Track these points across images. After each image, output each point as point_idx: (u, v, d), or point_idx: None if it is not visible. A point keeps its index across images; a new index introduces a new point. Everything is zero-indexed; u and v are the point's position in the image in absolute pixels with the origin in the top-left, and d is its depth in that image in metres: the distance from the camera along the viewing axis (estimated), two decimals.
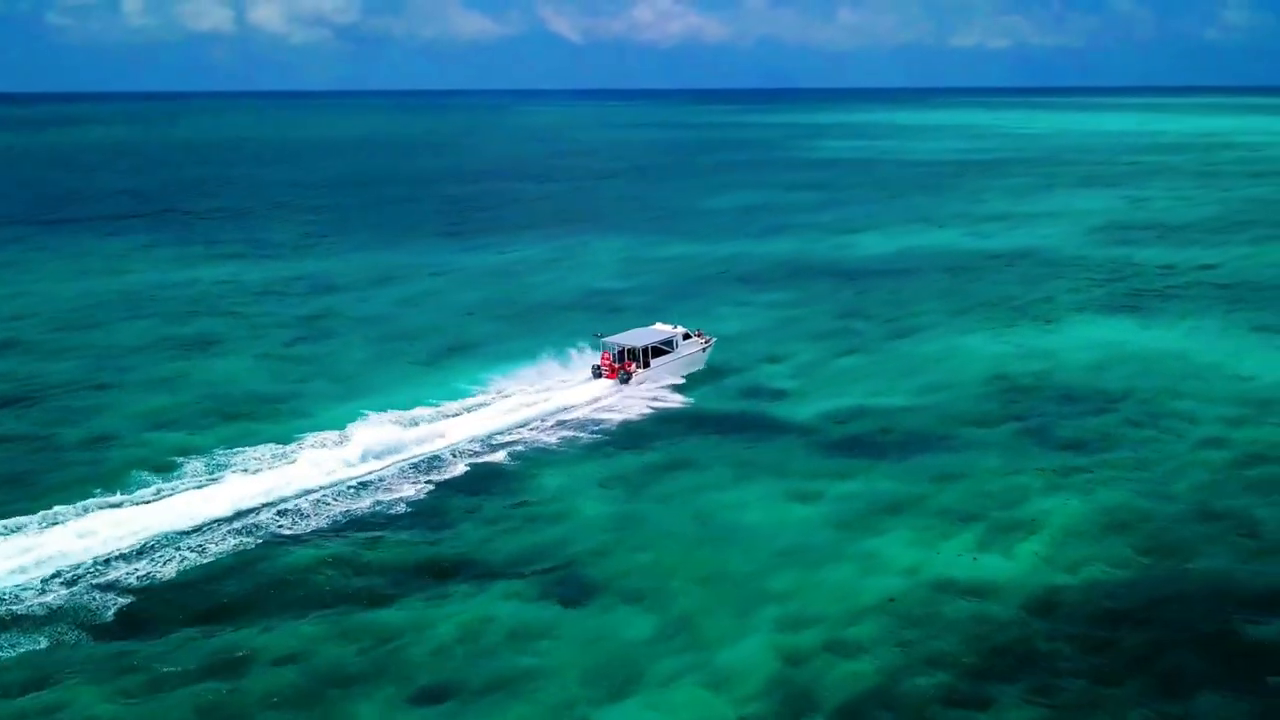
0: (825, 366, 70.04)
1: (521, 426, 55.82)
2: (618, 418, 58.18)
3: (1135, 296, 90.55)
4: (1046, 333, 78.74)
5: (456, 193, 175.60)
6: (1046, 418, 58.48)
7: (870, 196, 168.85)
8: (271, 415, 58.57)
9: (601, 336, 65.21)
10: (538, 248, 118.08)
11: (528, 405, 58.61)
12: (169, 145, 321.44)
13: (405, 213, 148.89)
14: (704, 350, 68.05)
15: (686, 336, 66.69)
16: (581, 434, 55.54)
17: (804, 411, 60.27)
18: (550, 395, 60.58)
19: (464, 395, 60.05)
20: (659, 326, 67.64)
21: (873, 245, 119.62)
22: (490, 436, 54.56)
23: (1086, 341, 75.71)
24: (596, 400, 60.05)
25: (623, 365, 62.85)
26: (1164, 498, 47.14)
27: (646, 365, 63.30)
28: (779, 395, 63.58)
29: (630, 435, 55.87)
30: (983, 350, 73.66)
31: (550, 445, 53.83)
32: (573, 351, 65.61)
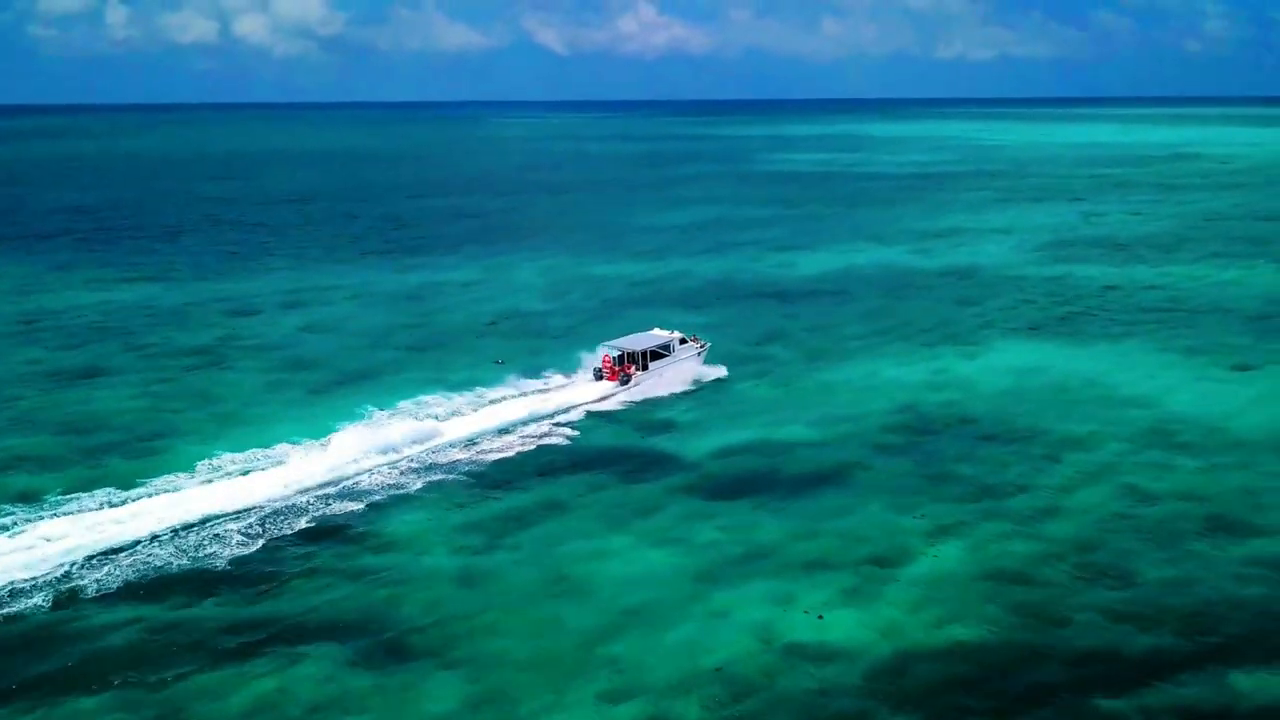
0: (729, 396, 67.14)
1: (525, 424, 58.79)
2: (496, 456, 55.25)
3: (1067, 319, 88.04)
4: (968, 358, 76.07)
5: (401, 209, 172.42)
6: (946, 454, 55.73)
7: (823, 212, 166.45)
8: (127, 454, 55.50)
9: (608, 342, 68.45)
10: (467, 267, 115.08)
11: (532, 404, 61.74)
12: (123, 159, 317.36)
13: (341, 230, 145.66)
14: (699, 354, 70.75)
15: (683, 341, 69.88)
16: (451, 475, 52.54)
17: (697, 446, 57.42)
18: (553, 396, 63.71)
19: (332, 430, 56.86)
20: (656, 332, 70.74)
21: (813, 264, 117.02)
22: (352, 479, 51.43)
23: (1006, 368, 73.13)
24: (598, 400, 63.36)
25: (623, 368, 65.92)
26: (1047, 546, 44.40)
27: (645, 368, 66.44)
28: (674, 428, 60.70)
29: (505, 474, 52.93)
30: (898, 378, 70.94)
31: (415, 488, 50.80)
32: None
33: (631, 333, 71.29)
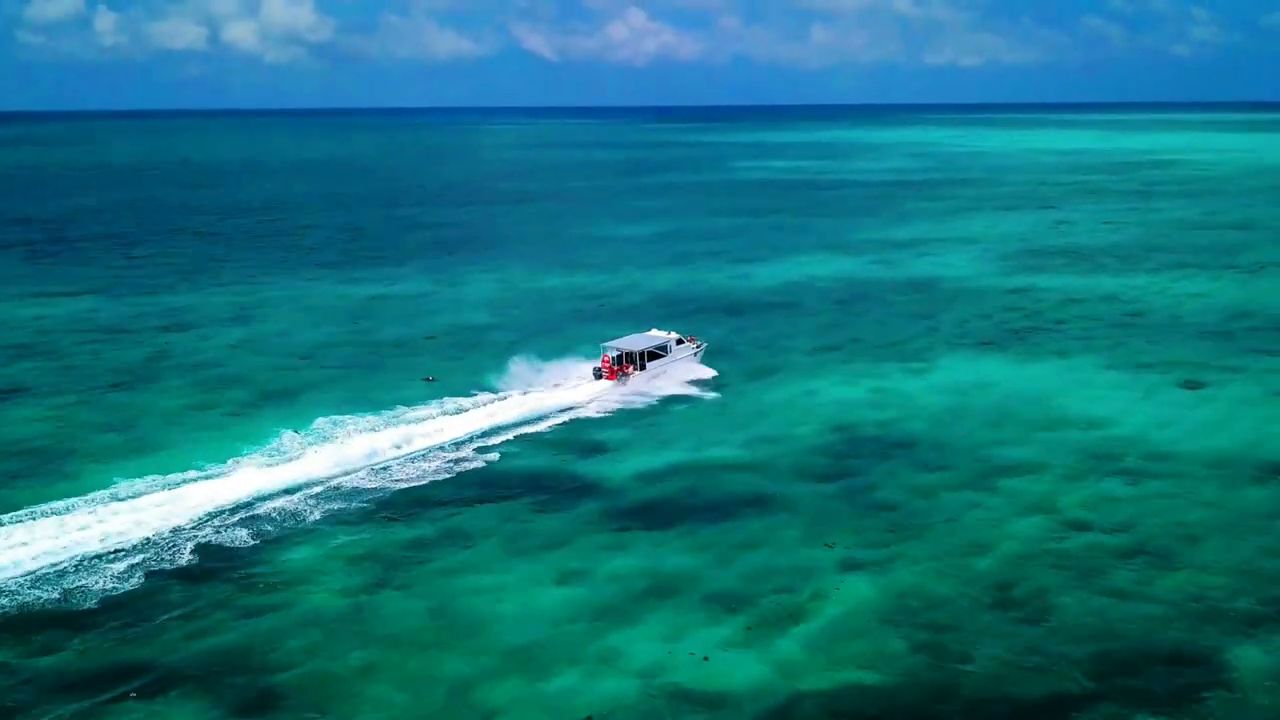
0: (662, 414, 65.02)
1: (526, 423, 60.98)
2: (406, 483, 53.08)
3: (1021, 334, 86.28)
4: (914, 375, 74.19)
5: (362, 220, 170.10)
6: (873, 480, 53.78)
7: (789, 222, 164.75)
8: (18, 477, 53.09)
9: (606, 342, 70.66)
10: (418, 279, 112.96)
11: (535, 401, 64.34)
12: (92, 168, 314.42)
13: (297, 242, 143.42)
14: (695, 354, 73.16)
15: (680, 342, 72.08)
16: (355, 504, 50.36)
17: (620, 470, 55.41)
18: (555, 394, 65.98)
19: (248, 454, 54.73)
20: (654, 333, 73.14)
21: (769, 276, 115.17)
22: (252, 508, 49.24)
23: (951, 386, 71.28)
24: (597, 398, 65.47)
25: (621, 368, 68.15)
26: (962, 581, 42.41)
27: (643, 368, 68.68)
28: (602, 450, 58.66)
29: (412, 503, 50.79)
30: (839, 396, 69.05)
31: (314, 518, 48.59)
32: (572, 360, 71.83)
33: (629, 333, 73.94)
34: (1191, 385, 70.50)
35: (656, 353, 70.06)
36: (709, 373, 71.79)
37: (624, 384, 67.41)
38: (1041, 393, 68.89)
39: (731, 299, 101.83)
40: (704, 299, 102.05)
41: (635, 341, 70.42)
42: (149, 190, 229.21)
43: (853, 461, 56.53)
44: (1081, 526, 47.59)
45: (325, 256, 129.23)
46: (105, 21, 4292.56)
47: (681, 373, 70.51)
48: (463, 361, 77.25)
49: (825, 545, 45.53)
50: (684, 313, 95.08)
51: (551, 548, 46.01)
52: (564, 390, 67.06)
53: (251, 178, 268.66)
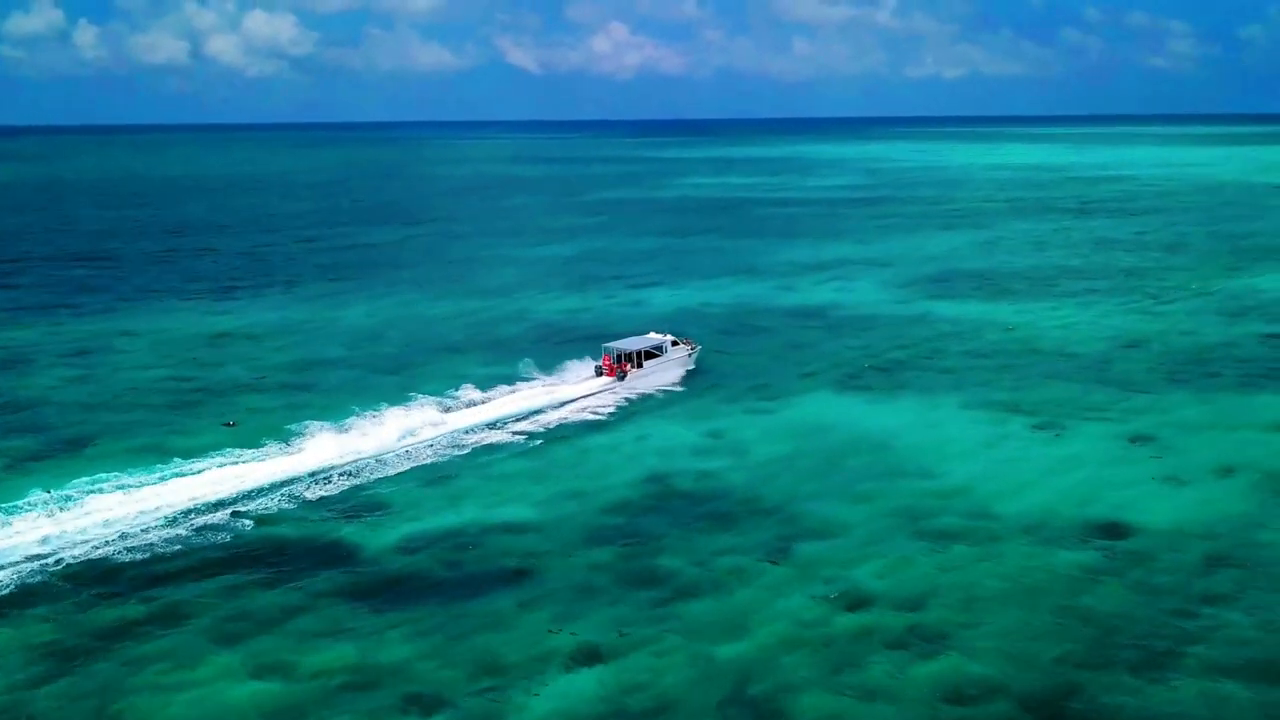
0: (473, 463, 60.33)
1: (531, 415, 67.00)
2: (138, 554, 48.18)
3: (891, 368, 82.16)
4: (756, 415, 69.94)
5: (270, 243, 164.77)
6: (664, 541, 49.41)
7: (711, 244, 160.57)
8: None
9: (607, 343, 76.97)
10: (293, 308, 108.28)
11: (539, 396, 70.70)
12: (27, 185, 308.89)
13: (188, 267, 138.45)
14: (690, 355, 78.97)
15: (675, 343, 78.09)
16: (66, 577, 45.43)
17: (388, 533, 50.91)
18: (558, 389, 72.12)
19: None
20: (651, 335, 79.70)
21: (663, 303, 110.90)
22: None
23: (792, 427, 67.06)
24: (597, 393, 71.90)
25: (619, 366, 74.19)
26: (704, 670, 38.27)
27: (640, 366, 74.77)
28: (377, 508, 53.93)
29: (138, 575, 45.99)
30: (667, 440, 64.65)
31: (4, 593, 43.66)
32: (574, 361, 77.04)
33: (629, 335, 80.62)
34: (1046, 429, 66.34)
35: (652, 353, 76.36)
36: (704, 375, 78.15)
37: (622, 381, 73.79)
38: (885, 437, 64.57)
39: (611, 329, 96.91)
40: (583, 328, 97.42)
41: (633, 343, 76.98)
42: (66, 209, 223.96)
43: (649, 521, 52.05)
44: (862, 602, 43.21)
45: (204, 284, 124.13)
46: (85, 35, 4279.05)
47: (675, 371, 77.02)
48: (291, 400, 72.52)
49: (569, 633, 40.95)
50: (557, 343, 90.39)
51: (263, 632, 41.35)
52: (567, 386, 73.12)
53: (185, 196, 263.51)
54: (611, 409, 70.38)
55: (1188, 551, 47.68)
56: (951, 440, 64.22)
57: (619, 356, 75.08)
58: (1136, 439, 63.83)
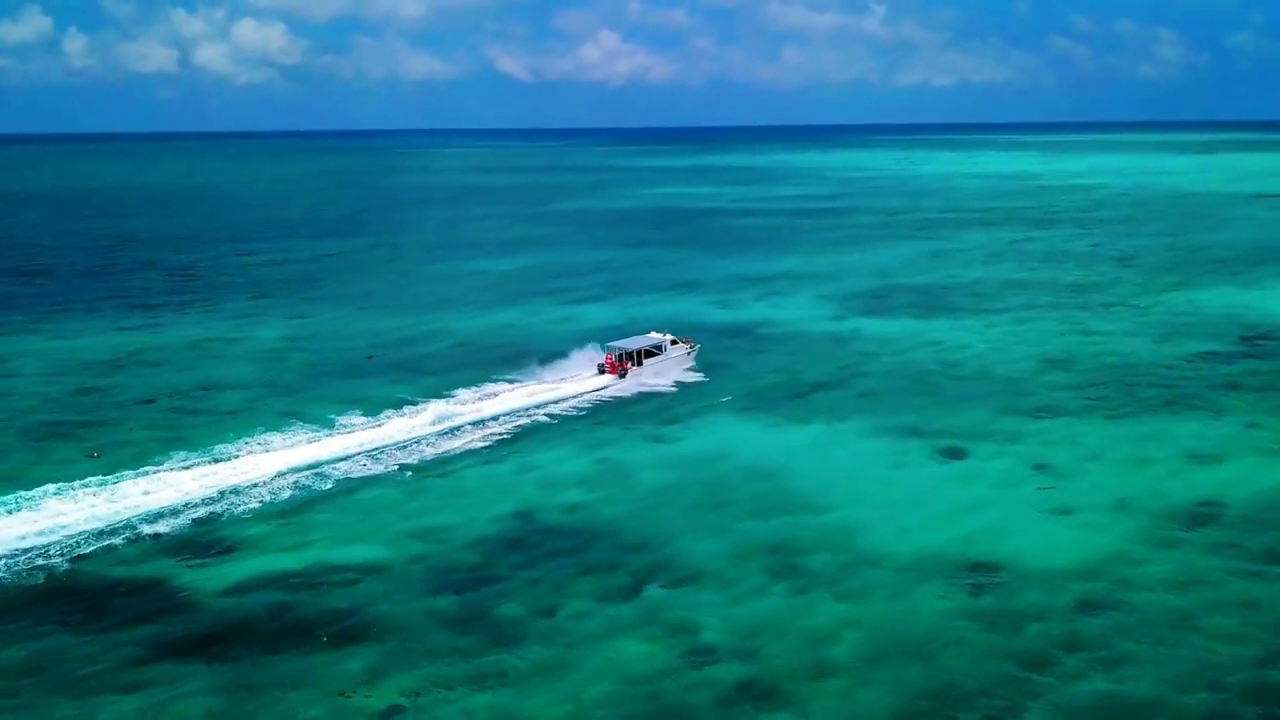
0: (333, 502, 57.29)
1: (538, 408, 71.78)
2: None
3: (805, 390, 79.64)
4: (653, 442, 67.19)
5: (206, 256, 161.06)
6: (512, 584, 46.93)
7: (659, 256, 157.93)
8: None
9: (610, 343, 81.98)
10: (210, 325, 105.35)
11: (545, 391, 75.18)
12: None
13: (118, 283, 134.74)
14: (689, 353, 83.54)
15: (674, 343, 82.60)
16: None
17: (219, 576, 47.96)
18: (563, 385, 76.42)
19: None
20: (653, 335, 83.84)
21: (594, 318, 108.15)
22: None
23: (686, 454, 64.68)
24: (601, 389, 76.23)
25: (621, 364, 78.34)
26: None
27: (640, 364, 78.88)
28: (220, 548, 50.83)
29: None
30: (548, 470, 61.89)
31: None
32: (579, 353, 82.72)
33: (632, 335, 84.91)
34: (948, 457, 63.63)
35: (653, 352, 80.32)
36: (698, 376, 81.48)
37: (623, 379, 77.58)
38: (778, 467, 61.83)
39: (535, 349, 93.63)
40: (504, 347, 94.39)
41: (634, 342, 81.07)
42: (7, 221, 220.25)
43: (504, 562, 49.24)
44: (703, 653, 40.63)
45: (126, 301, 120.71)
46: (75, 44, 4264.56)
47: (674, 369, 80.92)
48: (161, 429, 69.39)
49: (348, 692, 37.94)
50: (472, 364, 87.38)
51: (43, 685, 38.37)
52: (570, 383, 77.05)
53: (139, 207, 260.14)
54: (503, 435, 67.59)
55: (1061, 594, 45.05)
56: (846, 470, 61.53)
57: (620, 355, 79.19)
58: (1039, 467, 61.23)
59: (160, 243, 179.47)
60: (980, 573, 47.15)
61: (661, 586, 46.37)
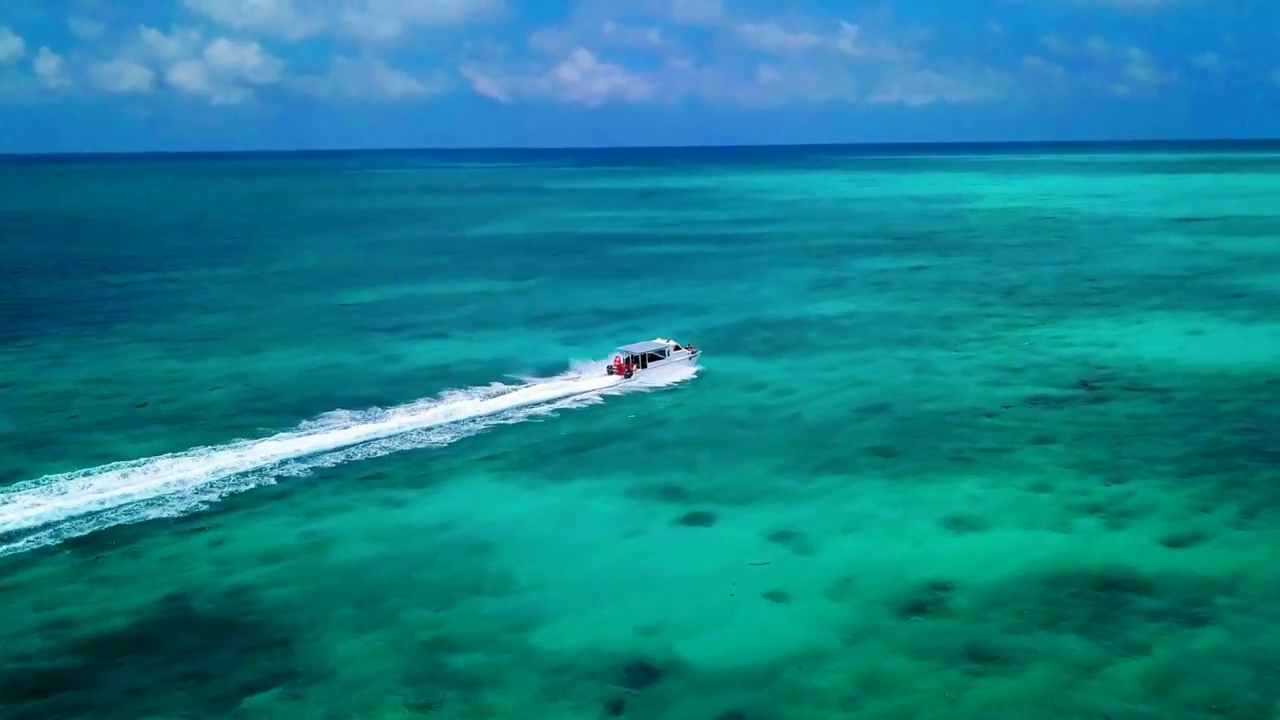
0: (112, 552, 51.28)
1: (548, 402, 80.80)
2: None
3: (585, 445, 73.68)
4: (382, 506, 61.75)
5: (52, 288, 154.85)
6: (93, 699, 40.41)
7: (534, 287, 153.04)
8: None
9: (619, 347, 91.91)
10: (15, 366, 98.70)
11: (559, 389, 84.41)
12: None
13: None
14: (691, 358, 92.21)
15: (677, 348, 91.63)
16: None
17: None
18: (577, 383, 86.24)
19: None
20: (658, 341, 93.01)
21: (423, 359, 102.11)
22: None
23: (408, 525, 59.28)
24: (610, 387, 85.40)
25: (628, 366, 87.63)
26: None
27: (644, 366, 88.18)
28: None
29: None
30: (244, 544, 56.05)
31: None
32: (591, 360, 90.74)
33: (639, 341, 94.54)
34: (694, 524, 58.45)
35: (656, 355, 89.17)
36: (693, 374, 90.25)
37: (629, 379, 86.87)
38: (500, 539, 56.49)
39: (345, 393, 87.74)
40: (302, 392, 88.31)
41: (641, 347, 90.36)
42: None
43: (112, 663, 43.11)
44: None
45: None
46: (47, 64, 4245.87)
47: (676, 371, 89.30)
48: None
49: None
50: (254, 411, 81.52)
51: None
52: (584, 380, 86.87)
53: (41, 231, 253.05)
54: (216, 500, 61.66)
55: (711, 707, 39.34)
56: (568, 544, 55.99)
57: (628, 358, 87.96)
58: (780, 537, 55.95)
59: (19, 273, 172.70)
60: (635, 678, 41.76)
61: (267, 692, 40.46)
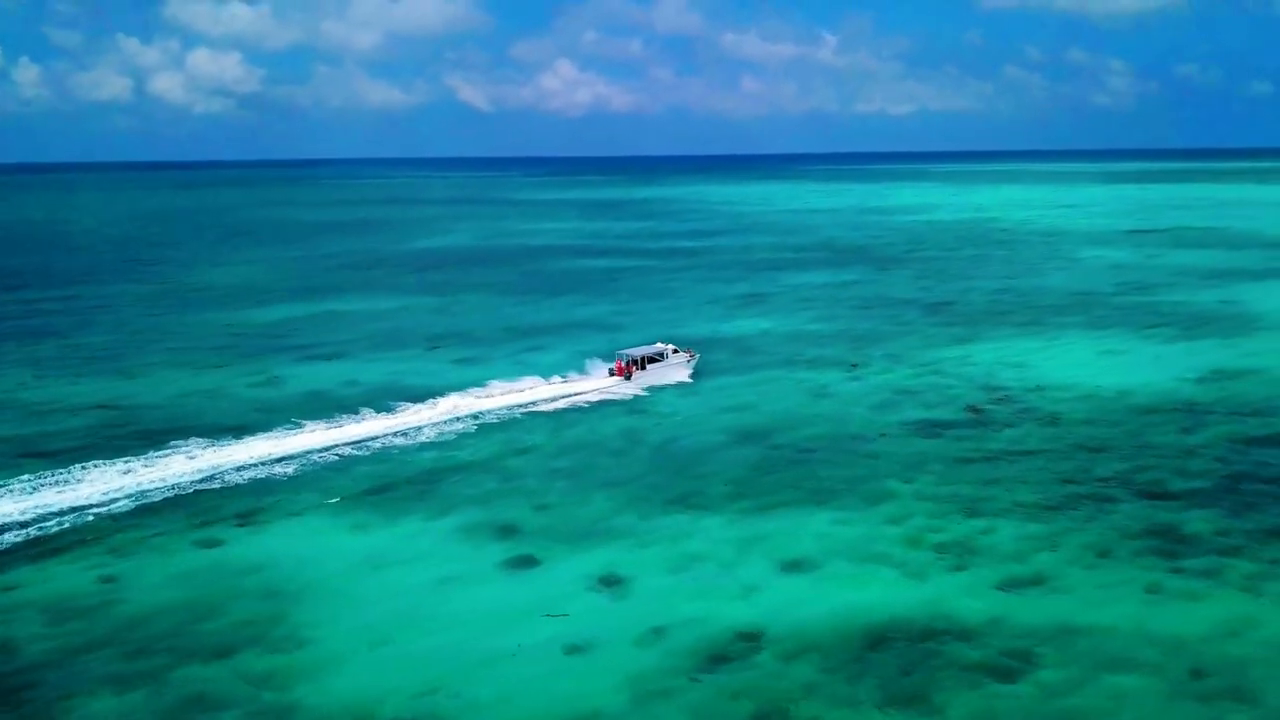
0: None
1: (554, 399, 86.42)
2: None
3: (428, 483, 70.45)
4: (197, 549, 58.29)
5: None
6: None
7: (447, 305, 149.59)
8: None
9: (620, 350, 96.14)
10: None
11: (559, 388, 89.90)
12: None
13: None
14: (689, 361, 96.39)
15: (676, 351, 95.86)
16: None
17: None
18: (580, 383, 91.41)
19: None
20: (658, 345, 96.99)
21: (302, 382, 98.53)
22: None
23: (225, 564, 55.89)
24: (611, 388, 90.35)
25: (629, 368, 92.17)
26: None
27: (644, 369, 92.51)
28: None
29: None
30: (39, 590, 52.20)
31: None
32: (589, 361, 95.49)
33: (641, 345, 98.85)
34: (520, 568, 55.40)
35: (655, 358, 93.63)
36: (688, 376, 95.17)
37: (629, 380, 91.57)
38: (304, 586, 53.18)
39: (200, 423, 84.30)
40: (169, 417, 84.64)
41: (641, 350, 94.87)
42: None
43: None
44: None
45: None
46: (27, 74, 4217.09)
47: (674, 374, 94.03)
48: None
49: None
50: (106, 439, 77.85)
51: None
52: (588, 380, 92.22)
53: None
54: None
55: None
56: (375, 589, 52.90)
57: (629, 361, 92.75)
58: (604, 581, 52.81)
59: None
60: None
61: None
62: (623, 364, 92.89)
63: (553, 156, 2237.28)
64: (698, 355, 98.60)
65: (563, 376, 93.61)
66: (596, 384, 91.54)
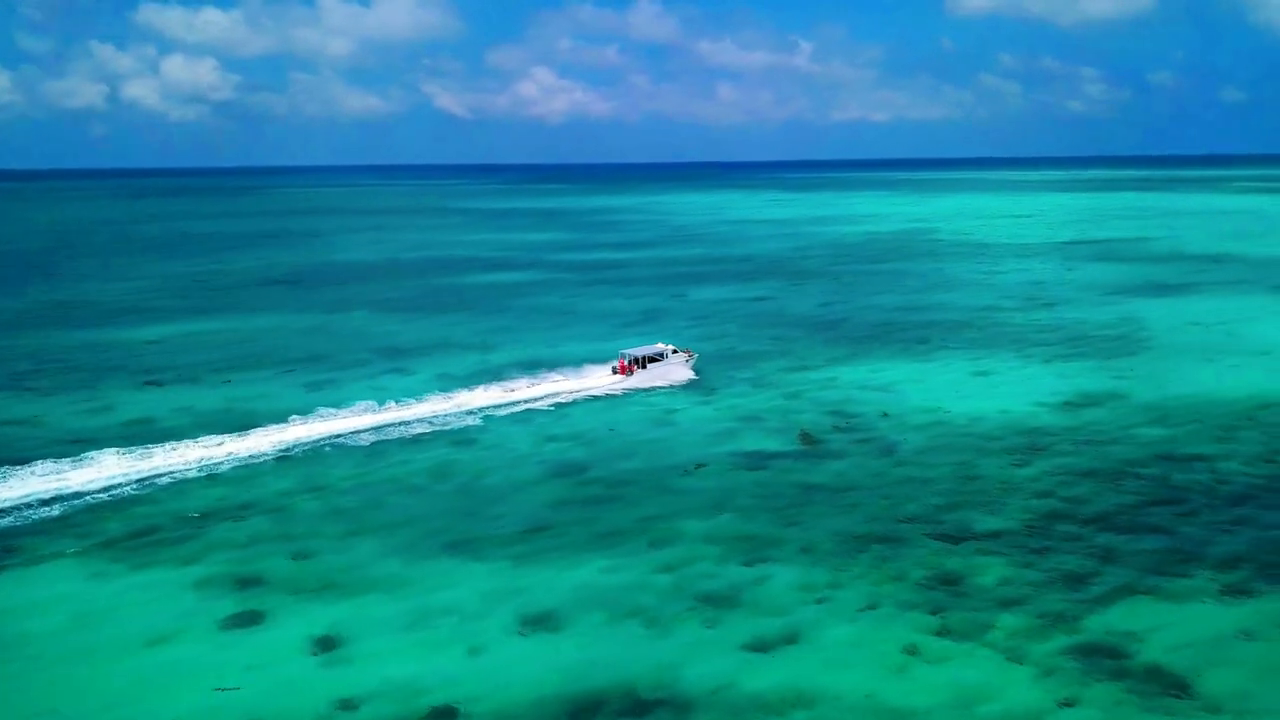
0: None
1: (554, 395, 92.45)
2: None
3: (196, 528, 66.03)
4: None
5: None
6: None
7: (324, 324, 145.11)
8: None
9: (623, 350, 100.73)
10: None
11: (565, 384, 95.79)
12: None
13: None
14: (688, 361, 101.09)
15: (675, 351, 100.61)
16: None
17: None
18: (584, 380, 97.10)
19: None
20: (659, 345, 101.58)
21: (128, 411, 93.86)
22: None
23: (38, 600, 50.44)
24: (613, 385, 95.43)
25: (630, 366, 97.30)
26: None
27: (644, 367, 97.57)
28: None
29: None
30: None
31: None
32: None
33: (642, 344, 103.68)
34: (238, 623, 50.79)
35: (655, 358, 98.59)
36: (689, 374, 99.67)
37: (630, 378, 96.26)
38: (14, 639, 48.32)
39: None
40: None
41: (642, 350, 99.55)
42: None
43: None
44: None
45: None
46: None
47: (675, 373, 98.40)
48: None
49: None
50: None
51: None
52: (589, 379, 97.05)
53: None
54: None
55: None
56: (78, 648, 48.96)
57: (630, 360, 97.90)
58: (323, 642, 49.08)
59: None
60: None
61: None
62: (625, 363, 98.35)
63: (533, 163, 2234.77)
64: (696, 355, 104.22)
65: (563, 374, 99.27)
66: (601, 381, 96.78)
